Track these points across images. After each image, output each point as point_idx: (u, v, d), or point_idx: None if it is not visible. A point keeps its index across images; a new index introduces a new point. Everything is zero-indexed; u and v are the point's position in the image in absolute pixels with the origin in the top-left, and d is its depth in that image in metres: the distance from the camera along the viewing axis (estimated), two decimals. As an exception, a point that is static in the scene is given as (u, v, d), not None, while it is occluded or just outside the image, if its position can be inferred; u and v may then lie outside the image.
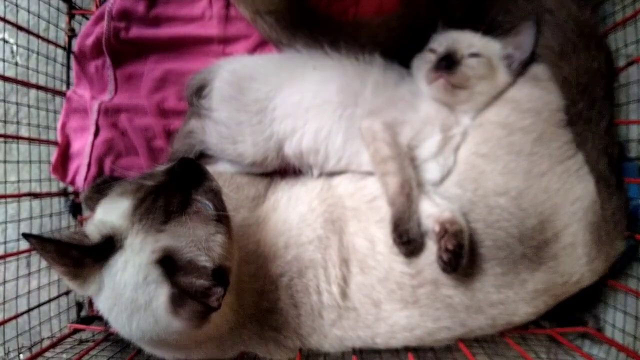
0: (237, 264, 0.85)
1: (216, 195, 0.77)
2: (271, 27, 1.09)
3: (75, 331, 1.17)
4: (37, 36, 1.20)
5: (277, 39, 1.11)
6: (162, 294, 0.66)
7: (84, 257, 0.68)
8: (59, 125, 1.24)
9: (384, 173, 0.92)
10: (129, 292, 0.66)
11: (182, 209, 0.71)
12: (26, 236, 0.66)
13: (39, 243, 0.67)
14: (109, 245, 0.69)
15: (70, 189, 1.27)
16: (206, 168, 0.80)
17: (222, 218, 0.74)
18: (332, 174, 1.02)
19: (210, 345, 0.86)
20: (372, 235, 0.91)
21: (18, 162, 1.22)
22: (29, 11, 1.23)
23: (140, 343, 0.79)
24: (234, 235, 0.78)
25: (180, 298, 0.65)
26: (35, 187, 1.26)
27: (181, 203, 0.72)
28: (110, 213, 0.72)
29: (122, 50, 1.20)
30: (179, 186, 0.74)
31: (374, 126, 0.94)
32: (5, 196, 1.18)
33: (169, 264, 0.66)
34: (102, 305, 0.71)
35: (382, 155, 0.92)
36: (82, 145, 1.21)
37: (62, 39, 1.29)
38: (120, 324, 0.69)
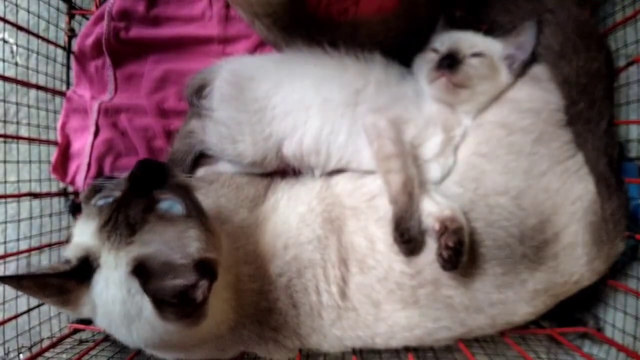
0: (235, 262, 0.86)
1: (184, 190, 0.76)
2: (269, 29, 1.09)
3: (75, 331, 1.17)
4: (37, 36, 1.20)
5: (274, 40, 1.11)
6: (147, 303, 0.66)
7: (65, 282, 0.69)
8: (58, 125, 1.24)
9: (387, 170, 0.91)
10: (119, 306, 0.67)
11: (144, 217, 0.70)
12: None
13: (15, 282, 0.67)
14: (87, 266, 0.69)
15: (70, 189, 1.27)
16: (168, 165, 0.80)
17: (192, 212, 0.73)
18: (331, 174, 1.02)
19: (211, 345, 0.86)
20: (372, 234, 0.91)
21: (18, 162, 1.22)
22: (28, 11, 1.23)
23: (147, 349, 0.79)
24: (214, 226, 0.77)
25: (162, 307, 0.65)
26: (35, 187, 1.26)
27: (143, 210, 0.71)
28: (82, 234, 0.72)
29: (122, 50, 1.20)
30: (140, 192, 0.74)
31: (379, 123, 0.94)
32: (5, 196, 1.18)
33: (144, 273, 0.66)
34: (101, 323, 0.72)
35: (385, 153, 0.92)
36: (82, 145, 1.21)
37: (62, 39, 1.29)
38: (123, 336, 0.70)
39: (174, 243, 0.69)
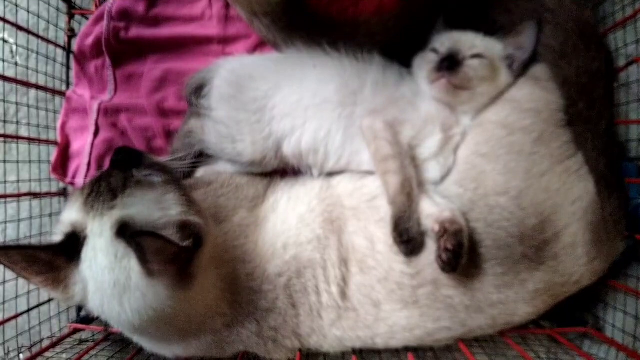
0: (234, 259, 0.87)
1: (160, 166, 0.81)
2: (268, 28, 1.09)
3: (75, 331, 1.17)
4: (37, 36, 1.20)
5: (273, 40, 1.11)
6: (134, 263, 0.67)
7: (55, 258, 0.70)
8: (58, 125, 1.24)
9: (385, 172, 0.92)
10: (108, 275, 0.68)
11: (125, 184, 0.74)
12: None
13: (4, 255, 0.68)
14: (75, 241, 0.71)
15: (70, 189, 1.27)
16: (144, 151, 0.86)
17: (170, 180, 0.78)
18: (331, 174, 1.02)
19: (210, 341, 0.86)
20: (372, 235, 0.91)
21: (18, 162, 1.23)
22: (28, 11, 1.23)
23: (143, 334, 0.80)
24: (200, 205, 0.81)
25: (144, 252, 0.66)
26: (35, 187, 1.26)
27: (123, 179, 0.75)
28: (68, 213, 0.75)
29: (121, 50, 1.21)
30: (118, 168, 0.79)
31: (375, 125, 0.94)
32: (5, 196, 1.18)
33: (128, 232, 0.68)
34: (93, 304, 0.72)
35: (383, 154, 0.92)
36: (82, 145, 1.21)
37: (62, 39, 1.29)
38: (116, 314, 0.70)
39: (154, 205, 0.72)
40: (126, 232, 0.68)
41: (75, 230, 0.71)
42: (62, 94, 1.26)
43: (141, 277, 0.68)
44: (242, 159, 1.01)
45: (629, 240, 0.93)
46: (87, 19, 1.28)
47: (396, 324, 0.88)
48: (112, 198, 0.72)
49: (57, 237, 0.73)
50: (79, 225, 0.72)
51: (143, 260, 0.66)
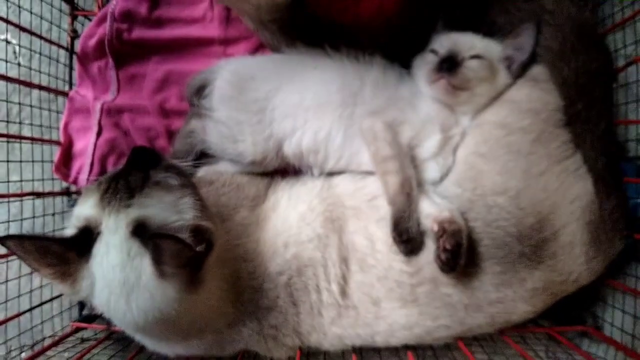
0: (235, 259, 0.87)
1: (177, 168, 0.82)
2: (273, 35, 1.10)
3: (77, 330, 1.18)
4: (40, 37, 1.21)
5: (277, 46, 1.12)
6: (147, 264, 0.68)
7: (66, 252, 0.71)
8: (61, 125, 1.25)
9: (385, 172, 0.92)
10: (118, 273, 0.68)
11: (143, 184, 0.75)
12: (2, 239, 0.68)
13: (18, 244, 0.69)
14: (88, 237, 0.71)
15: (73, 188, 1.28)
16: (161, 152, 0.86)
17: (187, 183, 0.79)
18: (332, 174, 1.03)
19: (210, 340, 0.87)
20: (372, 234, 0.92)
21: (21, 161, 1.23)
22: (31, 12, 1.24)
23: (145, 333, 0.80)
24: (210, 210, 0.82)
25: (160, 254, 0.66)
26: (38, 187, 1.27)
27: (142, 179, 0.76)
28: (83, 207, 0.75)
29: (124, 51, 1.21)
30: (136, 167, 0.79)
31: (374, 126, 0.95)
32: (8, 195, 1.18)
33: (144, 232, 0.69)
34: (99, 300, 0.72)
35: (382, 155, 0.93)
36: (85, 145, 1.22)
37: (65, 39, 1.30)
38: (121, 312, 0.70)
39: (171, 208, 0.72)
40: (141, 231, 0.69)
41: (89, 225, 0.72)
42: (64, 94, 1.27)
43: (152, 278, 0.68)
44: (243, 159, 1.02)
45: (627, 240, 0.94)
46: (89, 20, 1.29)
47: (395, 322, 0.89)
48: (129, 196, 0.72)
49: (70, 231, 0.74)
50: (93, 221, 0.72)
51: (157, 261, 0.67)
